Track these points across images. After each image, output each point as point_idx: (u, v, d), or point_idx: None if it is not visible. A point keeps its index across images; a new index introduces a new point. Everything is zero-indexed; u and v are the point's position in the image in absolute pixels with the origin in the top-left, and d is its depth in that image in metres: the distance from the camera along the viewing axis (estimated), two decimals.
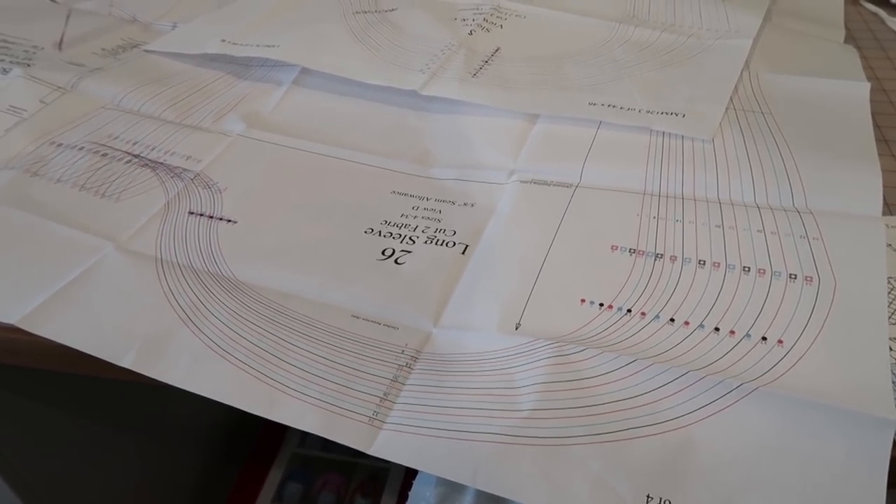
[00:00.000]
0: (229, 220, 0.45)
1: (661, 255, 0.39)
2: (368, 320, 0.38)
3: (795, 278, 0.36)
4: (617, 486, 0.30)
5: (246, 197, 0.47)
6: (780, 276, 0.36)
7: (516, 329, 0.36)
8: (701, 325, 0.35)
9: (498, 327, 0.36)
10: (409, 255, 0.42)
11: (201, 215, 0.46)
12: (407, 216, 0.45)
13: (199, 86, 0.59)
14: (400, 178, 0.48)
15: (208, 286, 0.40)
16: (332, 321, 0.38)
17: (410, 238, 0.43)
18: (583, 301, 0.37)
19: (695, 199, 0.42)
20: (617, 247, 0.40)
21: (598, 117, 0.49)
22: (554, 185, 0.45)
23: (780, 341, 0.33)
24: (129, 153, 0.51)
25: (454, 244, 0.42)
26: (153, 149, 0.51)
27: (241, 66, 0.61)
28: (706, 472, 0.30)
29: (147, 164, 0.50)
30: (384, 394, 0.34)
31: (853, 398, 0.31)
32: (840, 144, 0.45)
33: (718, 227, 0.40)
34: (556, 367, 0.34)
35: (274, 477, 0.85)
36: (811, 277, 0.36)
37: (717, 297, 0.36)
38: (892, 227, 0.39)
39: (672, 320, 0.35)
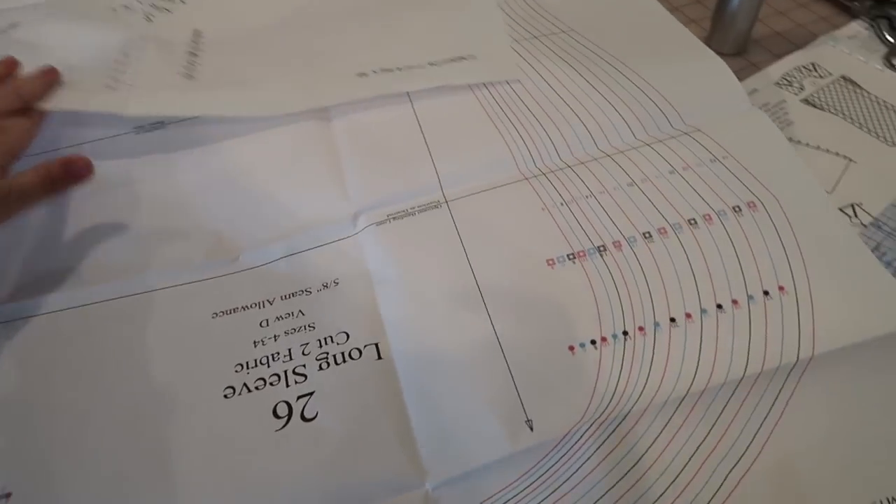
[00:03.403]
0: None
1: (604, 246, 0.32)
2: None
3: (741, 210, 0.32)
4: None
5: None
6: (726, 214, 0.32)
7: (532, 430, 0.27)
8: (704, 311, 0.29)
9: (509, 439, 0.27)
10: (311, 398, 0.29)
11: None
12: (264, 342, 0.31)
13: None
14: (206, 289, 0.33)
15: None
16: None
17: (296, 372, 0.30)
18: (572, 349, 0.29)
19: (581, 163, 0.35)
20: (552, 260, 0.32)
21: (383, 89, 0.39)
22: (419, 210, 0.34)
23: (780, 288, 0.30)
24: None
25: (359, 352, 0.30)
26: None
27: None
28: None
29: None
30: None
31: (882, 322, 0.28)
32: (663, 45, 0.41)
33: (631, 185, 0.34)
34: (613, 454, 0.26)
35: None
36: (753, 203, 0.33)
37: (692, 269, 0.31)
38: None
39: (673, 320, 0.29)
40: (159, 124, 0.40)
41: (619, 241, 0.32)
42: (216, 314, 0.32)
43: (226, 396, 0.29)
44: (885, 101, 0.42)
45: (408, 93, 0.39)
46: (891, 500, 0.25)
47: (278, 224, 0.35)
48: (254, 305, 0.32)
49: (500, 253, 0.32)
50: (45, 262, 0.34)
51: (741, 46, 0.46)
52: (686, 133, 0.36)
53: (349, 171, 0.36)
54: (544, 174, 0.35)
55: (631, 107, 0.37)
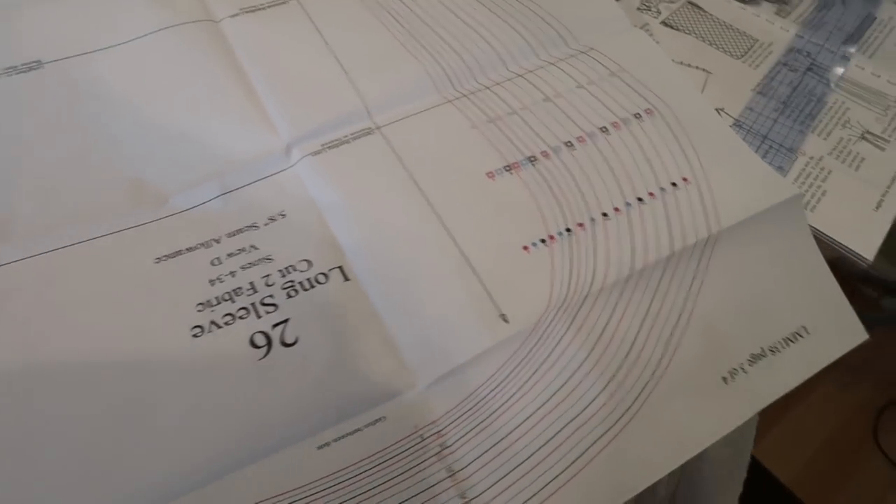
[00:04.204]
0: None
1: (534, 157, 0.35)
2: (342, 436, 0.26)
3: (641, 117, 0.37)
4: None
5: None
6: (629, 121, 0.36)
7: (507, 322, 0.29)
8: (628, 204, 0.33)
9: (488, 333, 0.29)
10: (287, 325, 0.29)
11: None
12: (221, 279, 0.30)
13: None
14: (138, 236, 0.31)
15: None
16: (300, 476, 0.25)
17: (265, 303, 0.29)
18: (526, 248, 0.32)
19: (497, 83, 0.38)
20: (491, 172, 0.34)
21: None
22: (353, 138, 0.35)
23: (684, 179, 0.35)
24: None
25: (325, 276, 0.31)
26: None
27: None
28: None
29: None
30: (461, 496, 0.26)
31: (763, 197, 0.34)
32: None
33: (546, 100, 0.37)
34: (581, 332, 0.29)
35: None
36: (649, 110, 0.37)
37: (612, 170, 0.35)
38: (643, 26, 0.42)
39: (605, 214, 0.33)
40: (36, 63, 0.36)
41: (546, 151, 0.35)
42: (158, 259, 0.31)
43: (195, 336, 0.28)
44: (724, 22, 0.49)
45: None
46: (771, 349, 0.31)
47: (204, 163, 0.34)
48: (199, 245, 0.31)
49: (442, 171, 0.34)
50: None
51: None
52: (583, 52, 0.39)
53: (267, 100, 0.36)
54: (465, 96, 0.37)
55: (531, 30, 0.40)
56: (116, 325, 0.28)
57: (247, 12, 0.39)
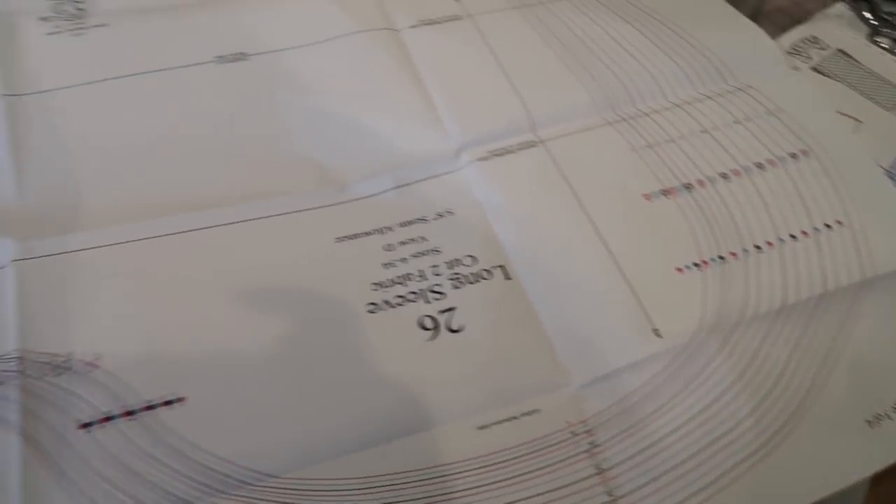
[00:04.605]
0: (169, 402, 0.28)
1: (690, 184, 0.36)
2: (500, 420, 0.28)
3: (797, 157, 0.38)
4: None
5: (145, 360, 0.29)
6: (785, 160, 0.37)
7: (660, 337, 0.31)
8: (781, 240, 0.34)
9: (641, 345, 0.31)
10: (453, 313, 0.31)
11: (108, 419, 0.27)
12: (394, 264, 0.33)
13: None
14: (322, 216, 0.34)
15: None
16: (460, 451, 0.27)
17: (433, 290, 0.32)
18: (680, 270, 0.33)
19: (655, 111, 0.39)
20: (649, 194, 0.36)
21: None
22: (518, 149, 0.37)
23: (838, 222, 0.35)
24: None
25: (489, 273, 0.33)
26: None
27: None
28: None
29: None
30: (608, 493, 0.27)
31: None
32: (700, 10, 0.46)
33: (704, 132, 0.38)
34: (732, 355, 0.30)
35: None
36: (805, 150, 0.38)
37: (766, 205, 0.36)
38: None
39: (758, 247, 0.34)
40: (240, 55, 0.40)
41: (701, 180, 0.36)
42: (338, 239, 0.33)
43: (370, 311, 0.31)
44: (876, 73, 0.49)
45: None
46: None
47: (380, 156, 0.37)
48: (374, 231, 0.34)
49: (602, 188, 0.36)
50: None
51: (755, 18, 0.52)
52: (741, 89, 0.41)
53: (440, 106, 0.39)
54: (625, 120, 0.39)
55: (689, 62, 0.42)
56: (303, 290, 0.31)
57: (425, 24, 0.42)
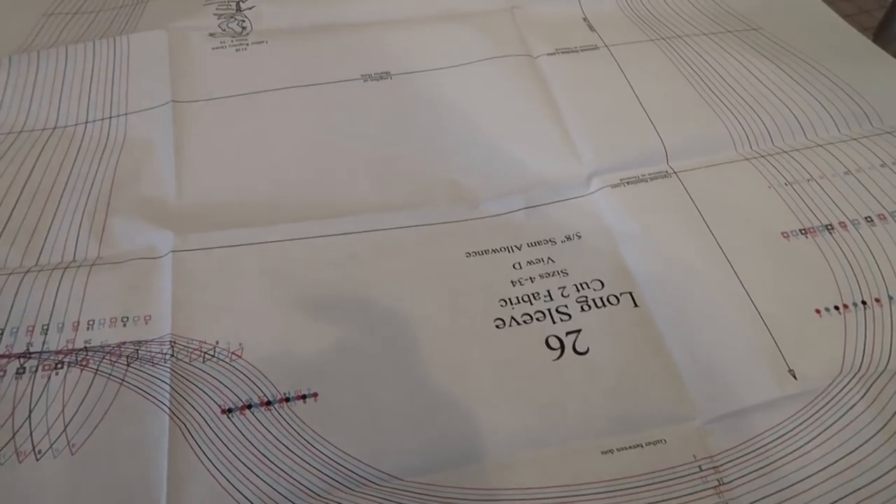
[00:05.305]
0: (303, 396, 0.29)
1: (831, 225, 0.35)
2: (625, 447, 0.28)
3: None
4: None
5: (281, 354, 0.31)
6: None
7: (796, 378, 0.30)
8: None
9: (776, 385, 0.30)
10: (579, 335, 0.31)
11: (248, 406, 0.29)
12: (521, 282, 0.33)
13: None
14: (454, 231, 0.35)
15: None
16: (583, 474, 0.27)
17: (559, 311, 0.32)
18: (818, 312, 0.32)
19: (796, 150, 0.39)
20: (787, 233, 0.35)
21: None
22: (650, 178, 0.37)
23: None
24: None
25: (616, 299, 0.33)
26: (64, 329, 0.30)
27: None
28: None
29: (63, 363, 0.29)
30: None
31: None
32: (843, 48, 0.45)
33: (847, 173, 0.37)
34: (875, 404, 0.29)
35: None
36: None
37: None
38: None
39: None
40: (384, 74, 0.42)
41: (843, 222, 0.35)
42: (469, 254, 0.34)
43: (497, 327, 0.32)
44: None
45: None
46: None
47: (512, 177, 0.38)
48: (503, 249, 0.35)
49: (737, 222, 0.35)
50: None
51: None
52: (888, 132, 0.39)
53: (574, 131, 0.39)
54: (763, 156, 0.38)
55: (834, 103, 0.40)
56: (435, 299, 0.32)
57: (562, 52, 0.43)
